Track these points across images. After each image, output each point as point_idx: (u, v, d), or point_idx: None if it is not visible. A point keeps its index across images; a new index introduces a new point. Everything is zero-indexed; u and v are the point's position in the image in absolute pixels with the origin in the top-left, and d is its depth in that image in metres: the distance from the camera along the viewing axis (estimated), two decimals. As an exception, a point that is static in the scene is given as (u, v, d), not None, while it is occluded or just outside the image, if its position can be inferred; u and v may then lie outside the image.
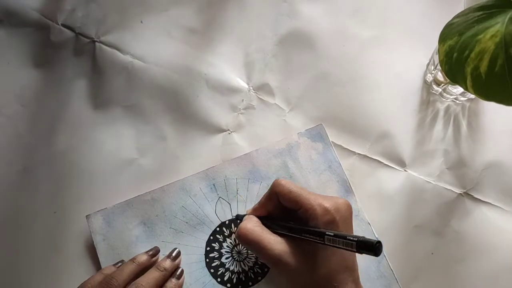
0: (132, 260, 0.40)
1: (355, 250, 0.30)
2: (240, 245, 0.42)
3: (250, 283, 0.41)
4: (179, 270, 0.41)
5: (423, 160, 0.44)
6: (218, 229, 0.43)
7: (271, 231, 0.37)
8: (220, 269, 0.42)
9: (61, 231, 0.43)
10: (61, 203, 0.44)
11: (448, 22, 0.35)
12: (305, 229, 0.34)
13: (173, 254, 0.41)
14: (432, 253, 0.42)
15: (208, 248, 0.42)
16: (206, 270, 0.41)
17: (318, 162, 0.44)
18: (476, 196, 0.44)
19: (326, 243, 0.32)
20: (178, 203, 0.43)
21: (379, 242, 0.29)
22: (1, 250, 0.43)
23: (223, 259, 0.42)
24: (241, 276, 0.41)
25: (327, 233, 0.32)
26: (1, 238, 0.43)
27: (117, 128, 0.46)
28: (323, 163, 0.44)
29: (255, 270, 0.42)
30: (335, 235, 0.32)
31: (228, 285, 0.41)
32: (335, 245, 0.32)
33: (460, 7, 0.36)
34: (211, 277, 0.41)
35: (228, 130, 0.46)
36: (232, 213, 0.43)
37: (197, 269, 0.41)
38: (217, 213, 0.43)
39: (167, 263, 0.40)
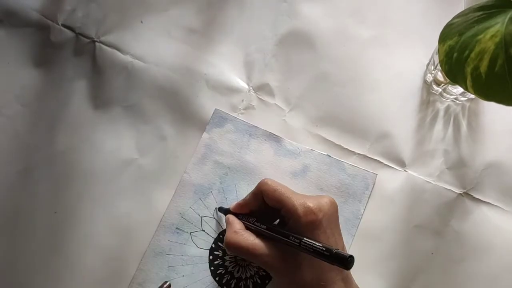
0: None
1: (328, 261, 0.31)
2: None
3: None
4: (166, 284, 0.41)
5: (423, 160, 0.44)
6: (221, 236, 0.43)
7: (255, 233, 0.37)
8: (225, 276, 0.41)
9: (61, 231, 0.43)
10: (61, 203, 0.44)
11: (448, 22, 0.35)
12: (283, 233, 0.35)
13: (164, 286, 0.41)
14: (432, 253, 0.42)
15: (211, 257, 0.42)
16: (211, 278, 0.41)
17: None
18: (476, 196, 0.44)
19: (302, 249, 0.33)
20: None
21: (351, 256, 0.30)
22: (1, 250, 0.43)
23: (226, 264, 0.42)
24: (248, 282, 0.41)
25: (303, 240, 0.33)
26: (1, 238, 0.43)
27: (117, 128, 0.46)
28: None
29: (261, 273, 0.42)
30: (309, 244, 0.32)
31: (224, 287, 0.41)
32: (309, 253, 0.32)
33: (460, 7, 0.36)
34: (216, 285, 0.41)
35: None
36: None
37: (202, 277, 0.41)
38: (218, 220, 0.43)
39: None
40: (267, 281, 0.41)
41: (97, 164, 0.44)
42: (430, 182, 0.44)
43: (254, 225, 0.37)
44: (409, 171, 0.44)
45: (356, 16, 0.48)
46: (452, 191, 0.44)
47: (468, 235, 0.43)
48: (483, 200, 0.43)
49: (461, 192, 0.44)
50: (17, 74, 0.47)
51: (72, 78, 0.47)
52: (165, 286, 0.40)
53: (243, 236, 0.36)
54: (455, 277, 0.42)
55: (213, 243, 0.42)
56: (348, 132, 0.45)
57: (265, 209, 0.38)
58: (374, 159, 0.45)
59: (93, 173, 0.44)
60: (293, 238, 0.34)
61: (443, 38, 0.34)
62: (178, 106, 0.46)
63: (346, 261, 0.30)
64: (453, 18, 0.34)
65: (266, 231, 0.36)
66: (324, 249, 0.31)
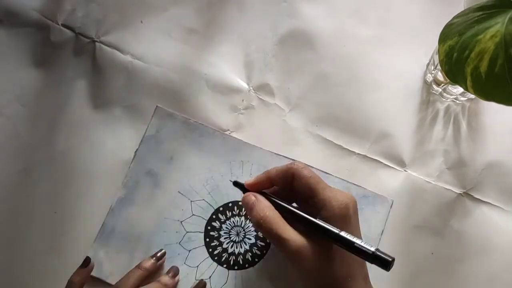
0: (138, 266, 0.40)
1: (367, 258, 0.31)
2: (239, 228, 0.43)
3: (247, 265, 0.42)
4: (174, 268, 0.41)
5: (423, 160, 0.44)
6: (221, 208, 0.43)
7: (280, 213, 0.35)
8: (218, 248, 0.42)
9: (61, 231, 0.43)
10: (61, 203, 0.44)
11: (448, 22, 0.35)
12: (325, 228, 0.33)
13: (158, 255, 0.41)
14: (432, 253, 0.42)
15: (208, 227, 0.43)
16: (204, 248, 0.42)
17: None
18: (476, 196, 0.44)
19: (338, 243, 0.32)
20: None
21: (393, 259, 0.30)
22: (1, 250, 0.43)
23: (221, 239, 0.42)
24: (238, 258, 0.42)
25: (342, 233, 0.32)
26: (1, 238, 0.43)
27: (117, 128, 0.46)
28: None
29: (254, 251, 0.42)
30: (353, 243, 0.32)
31: (225, 265, 0.42)
32: (347, 247, 0.32)
33: (460, 7, 0.36)
34: (208, 256, 0.42)
35: (228, 130, 0.46)
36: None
37: (197, 246, 0.42)
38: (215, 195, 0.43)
39: (149, 263, 0.40)
40: (256, 260, 0.42)
41: (97, 164, 0.44)
42: (430, 182, 0.44)
43: (291, 210, 0.35)
44: (409, 171, 0.44)
45: (356, 16, 0.48)
46: (452, 191, 0.44)
47: (468, 235, 0.43)
48: (483, 200, 0.43)
49: (461, 192, 0.44)
50: (17, 74, 0.47)
51: (72, 78, 0.47)
52: (159, 254, 0.41)
53: (278, 215, 0.34)
54: (455, 277, 0.42)
55: (208, 220, 0.43)
56: (348, 132, 0.45)
57: (285, 190, 0.37)
58: (374, 159, 0.45)
59: (93, 173, 0.44)
60: (330, 232, 0.33)
61: (443, 38, 0.34)
62: (178, 106, 0.46)
63: (389, 263, 0.30)
64: (453, 18, 0.35)
65: (310, 219, 0.34)
66: (366, 248, 0.31)
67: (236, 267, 0.42)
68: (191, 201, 0.43)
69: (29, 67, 0.47)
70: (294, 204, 0.37)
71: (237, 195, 0.43)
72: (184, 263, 0.42)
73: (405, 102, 0.46)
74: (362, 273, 0.35)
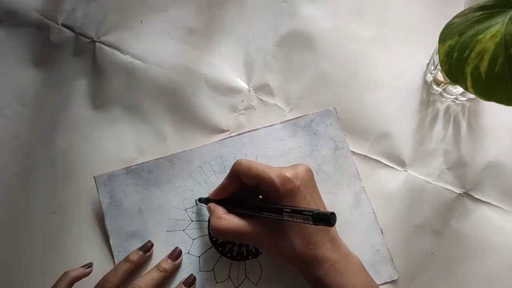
0: (125, 259, 0.40)
1: (311, 223, 0.32)
2: None
3: (250, 257, 0.42)
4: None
5: (423, 160, 0.44)
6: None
7: (238, 215, 0.38)
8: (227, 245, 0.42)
9: (61, 231, 0.43)
10: (61, 203, 0.44)
11: (448, 22, 0.35)
12: (264, 207, 0.36)
13: (175, 254, 0.41)
14: (432, 253, 0.42)
15: (214, 239, 0.43)
16: (207, 238, 0.42)
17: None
18: (476, 196, 0.44)
19: (285, 218, 0.33)
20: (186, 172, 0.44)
21: (333, 213, 0.31)
22: (1, 250, 0.43)
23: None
24: (242, 249, 0.42)
25: (284, 209, 0.34)
26: (1, 238, 0.43)
27: (117, 128, 0.46)
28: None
29: None
30: (292, 211, 0.33)
31: (229, 255, 0.42)
32: (293, 220, 0.33)
33: (460, 7, 0.36)
34: (211, 245, 0.42)
35: (228, 130, 0.46)
36: None
37: (199, 235, 0.42)
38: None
39: (168, 264, 0.40)
40: (260, 251, 0.42)
41: (97, 164, 0.44)
42: (430, 182, 0.44)
43: (235, 208, 0.38)
44: (409, 171, 0.44)
45: (356, 16, 0.48)
46: (452, 191, 0.44)
47: (468, 235, 0.43)
48: (483, 200, 0.43)
49: (461, 192, 0.44)
50: (17, 74, 0.47)
51: (72, 78, 0.47)
52: (175, 253, 0.41)
53: (227, 220, 0.37)
54: (455, 277, 0.42)
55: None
56: (348, 132, 0.45)
57: (245, 189, 0.39)
58: (374, 159, 0.45)
59: (93, 173, 0.44)
60: (274, 209, 0.35)
61: (443, 38, 0.34)
62: (178, 106, 0.46)
63: (329, 218, 0.31)
64: (453, 18, 0.35)
65: (246, 211, 0.37)
66: (306, 212, 0.32)
67: (239, 258, 0.42)
68: (183, 230, 0.43)
69: (29, 67, 0.47)
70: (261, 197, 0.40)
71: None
72: (188, 253, 0.42)
73: (405, 102, 0.46)
74: (327, 238, 0.36)
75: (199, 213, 0.43)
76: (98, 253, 0.42)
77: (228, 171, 0.39)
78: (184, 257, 0.42)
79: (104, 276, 0.39)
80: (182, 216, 0.43)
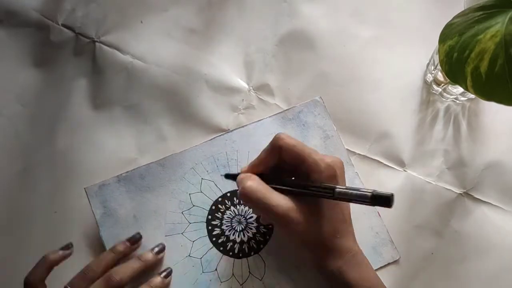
0: (111, 249, 0.40)
1: (369, 202, 0.31)
2: (240, 215, 0.43)
3: (252, 253, 0.42)
4: (168, 270, 0.41)
5: (423, 160, 0.44)
6: (220, 199, 0.43)
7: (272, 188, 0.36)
8: (221, 237, 0.42)
9: (61, 231, 0.43)
10: (61, 203, 0.44)
11: (448, 22, 0.35)
12: (312, 184, 0.34)
13: (156, 249, 0.41)
14: (432, 253, 0.42)
15: (209, 217, 0.43)
16: (207, 239, 0.42)
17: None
18: (476, 196, 0.44)
19: (337, 196, 0.33)
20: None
21: (392, 195, 0.30)
22: (1, 250, 0.43)
23: (223, 227, 0.43)
24: (243, 246, 0.42)
25: (337, 187, 0.33)
26: (1, 238, 0.43)
27: (117, 128, 0.46)
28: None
29: (257, 238, 0.42)
30: (347, 188, 0.32)
31: (230, 253, 0.42)
32: (346, 197, 0.32)
33: (460, 7, 0.36)
34: (212, 246, 0.42)
35: (229, 130, 0.45)
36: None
37: (199, 237, 0.42)
38: (217, 185, 0.44)
39: (149, 256, 0.40)
40: (262, 246, 0.42)
41: (97, 164, 0.44)
42: (430, 182, 0.44)
43: (275, 181, 0.36)
44: (409, 171, 0.44)
45: (356, 16, 0.48)
46: (452, 191, 0.44)
47: (468, 235, 0.43)
48: (483, 200, 0.43)
49: (461, 192, 0.44)
50: (17, 74, 0.47)
51: (72, 78, 0.47)
52: (157, 248, 0.41)
53: (262, 184, 0.35)
54: (455, 277, 0.42)
55: (208, 214, 0.43)
56: (348, 132, 0.45)
57: (278, 167, 0.37)
58: (374, 159, 0.45)
59: (93, 173, 0.44)
60: (324, 187, 0.34)
61: (443, 38, 0.34)
62: (178, 106, 0.46)
63: (390, 200, 0.30)
64: (453, 18, 0.35)
65: (294, 188, 0.35)
66: (364, 190, 0.31)
67: (241, 255, 0.42)
68: (181, 233, 0.43)
69: (29, 67, 0.47)
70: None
71: (227, 187, 0.44)
72: (189, 255, 0.42)
73: (405, 102, 0.46)
74: (350, 231, 0.36)
75: (196, 215, 0.43)
76: (98, 252, 0.42)
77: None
78: (186, 260, 0.41)
79: (87, 265, 0.38)
80: (179, 220, 0.43)
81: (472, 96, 0.43)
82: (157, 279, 0.40)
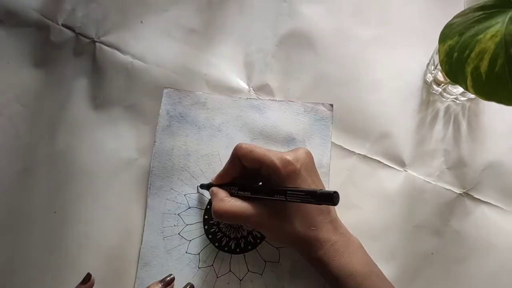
0: None
1: (315, 202, 0.32)
2: None
3: (249, 247, 0.42)
4: (168, 279, 0.41)
5: (423, 160, 0.44)
6: (209, 207, 0.43)
7: (240, 198, 0.38)
8: (218, 234, 0.42)
9: (61, 231, 0.43)
10: (61, 203, 0.44)
11: (448, 22, 0.35)
12: (267, 189, 0.36)
13: (167, 280, 0.41)
14: (432, 253, 0.42)
15: (206, 216, 0.43)
16: (204, 236, 0.43)
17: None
18: (476, 196, 0.44)
19: (289, 199, 0.34)
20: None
21: (336, 192, 0.31)
22: (1, 250, 0.43)
23: (221, 225, 0.43)
24: (239, 241, 0.42)
25: (288, 190, 0.34)
26: (1, 238, 0.43)
27: (117, 128, 0.46)
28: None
29: (254, 233, 0.43)
30: (295, 191, 0.33)
31: (226, 249, 0.42)
32: (297, 200, 0.33)
33: (460, 7, 0.36)
34: (209, 242, 0.42)
35: (228, 130, 0.45)
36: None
37: (197, 235, 0.43)
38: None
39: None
40: (258, 241, 0.42)
41: (97, 164, 0.44)
42: (430, 182, 0.44)
43: (238, 192, 0.38)
44: (409, 171, 0.44)
45: (356, 16, 0.48)
46: (452, 191, 0.44)
47: (468, 235, 0.43)
48: (483, 200, 0.43)
49: (461, 192, 0.44)
50: (17, 74, 0.47)
51: (72, 78, 0.47)
52: (167, 279, 0.41)
53: (230, 202, 0.37)
54: (455, 277, 0.42)
55: (204, 214, 0.43)
56: (348, 132, 0.45)
57: (246, 174, 0.39)
58: (374, 159, 0.45)
59: (93, 173, 0.44)
60: (279, 191, 0.35)
61: (443, 38, 0.34)
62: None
63: (332, 197, 0.31)
64: (453, 18, 0.35)
65: (251, 195, 0.37)
66: (309, 192, 0.32)
67: (238, 250, 0.42)
68: (178, 233, 0.43)
69: (29, 67, 0.47)
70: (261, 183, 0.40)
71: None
72: (186, 252, 0.42)
73: (405, 102, 0.46)
74: (328, 219, 0.37)
75: (193, 215, 0.43)
76: (98, 252, 0.42)
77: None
78: (183, 256, 0.42)
79: None
80: (175, 222, 0.43)
81: (472, 96, 0.43)
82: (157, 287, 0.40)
